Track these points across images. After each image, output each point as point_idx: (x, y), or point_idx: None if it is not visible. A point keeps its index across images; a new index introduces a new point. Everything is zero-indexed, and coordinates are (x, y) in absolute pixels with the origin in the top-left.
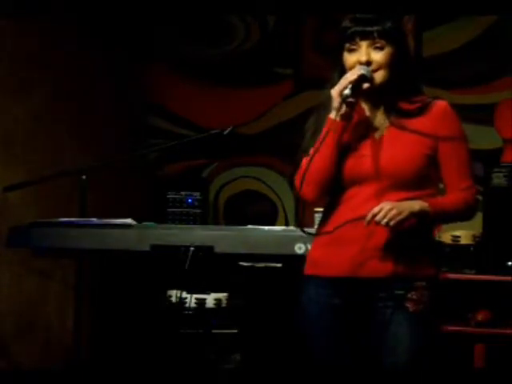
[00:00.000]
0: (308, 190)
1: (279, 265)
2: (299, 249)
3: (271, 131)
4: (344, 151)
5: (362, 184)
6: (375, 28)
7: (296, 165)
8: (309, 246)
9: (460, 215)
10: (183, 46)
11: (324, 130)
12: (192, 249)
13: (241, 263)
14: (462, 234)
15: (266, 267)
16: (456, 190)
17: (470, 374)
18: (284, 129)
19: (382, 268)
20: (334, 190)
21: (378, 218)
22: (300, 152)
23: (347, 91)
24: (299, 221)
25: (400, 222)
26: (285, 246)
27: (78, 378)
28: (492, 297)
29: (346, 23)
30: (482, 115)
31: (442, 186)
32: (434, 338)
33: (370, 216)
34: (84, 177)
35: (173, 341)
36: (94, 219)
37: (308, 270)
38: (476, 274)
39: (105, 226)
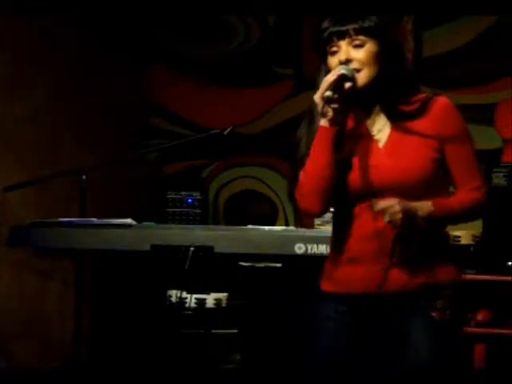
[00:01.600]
0: (309, 204)
1: (279, 265)
2: (299, 249)
3: (271, 131)
4: (347, 164)
5: (370, 197)
6: (351, 26)
7: (293, 171)
8: (309, 246)
9: (469, 215)
10: (183, 46)
11: (316, 138)
12: (192, 249)
13: (241, 263)
14: (462, 234)
15: (265, 267)
16: (467, 191)
17: (470, 373)
18: (284, 129)
19: (404, 281)
20: (341, 204)
21: (385, 216)
22: (296, 163)
23: (328, 93)
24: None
25: (402, 226)
26: (285, 246)
27: (77, 377)
28: (492, 297)
29: (323, 25)
30: (482, 115)
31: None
32: (459, 343)
33: (379, 207)
34: (84, 177)
35: (173, 341)
36: (94, 219)
37: (327, 286)
38: (476, 274)
39: (105, 226)
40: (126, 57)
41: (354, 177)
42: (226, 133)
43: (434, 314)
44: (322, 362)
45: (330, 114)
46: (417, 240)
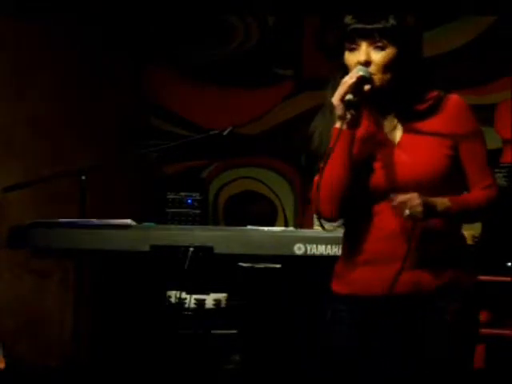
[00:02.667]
0: (325, 208)
1: (278, 265)
2: (298, 249)
3: (271, 132)
4: (361, 164)
5: (386, 197)
6: (375, 26)
7: (301, 169)
8: (308, 247)
9: (483, 213)
10: (183, 47)
11: (332, 141)
12: (192, 249)
13: (240, 264)
14: None
15: (265, 268)
16: (480, 189)
17: (470, 373)
18: (284, 129)
19: (421, 283)
20: (356, 205)
21: (405, 210)
22: (309, 158)
23: (349, 96)
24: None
25: (422, 220)
26: (284, 246)
27: (77, 377)
28: (492, 297)
29: (347, 20)
30: (482, 115)
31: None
32: (474, 344)
33: (399, 200)
34: (84, 177)
35: (172, 341)
36: (94, 219)
37: (339, 288)
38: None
39: (104, 226)
40: (125, 57)
41: (368, 177)
42: (225, 133)
43: (447, 317)
44: (333, 364)
45: (349, 116)
46: (434, 240)
